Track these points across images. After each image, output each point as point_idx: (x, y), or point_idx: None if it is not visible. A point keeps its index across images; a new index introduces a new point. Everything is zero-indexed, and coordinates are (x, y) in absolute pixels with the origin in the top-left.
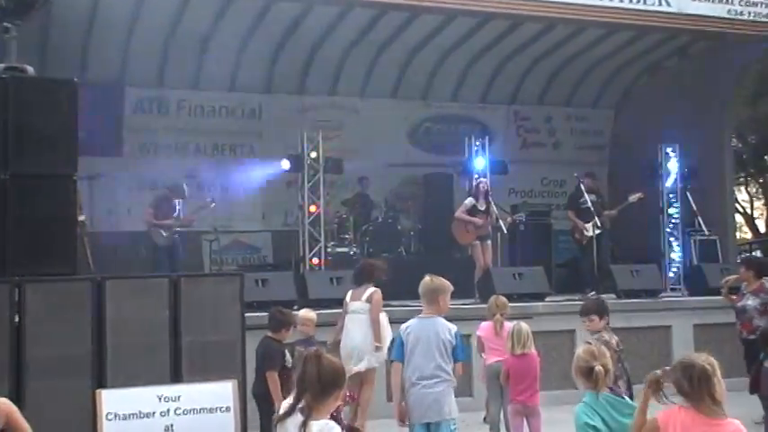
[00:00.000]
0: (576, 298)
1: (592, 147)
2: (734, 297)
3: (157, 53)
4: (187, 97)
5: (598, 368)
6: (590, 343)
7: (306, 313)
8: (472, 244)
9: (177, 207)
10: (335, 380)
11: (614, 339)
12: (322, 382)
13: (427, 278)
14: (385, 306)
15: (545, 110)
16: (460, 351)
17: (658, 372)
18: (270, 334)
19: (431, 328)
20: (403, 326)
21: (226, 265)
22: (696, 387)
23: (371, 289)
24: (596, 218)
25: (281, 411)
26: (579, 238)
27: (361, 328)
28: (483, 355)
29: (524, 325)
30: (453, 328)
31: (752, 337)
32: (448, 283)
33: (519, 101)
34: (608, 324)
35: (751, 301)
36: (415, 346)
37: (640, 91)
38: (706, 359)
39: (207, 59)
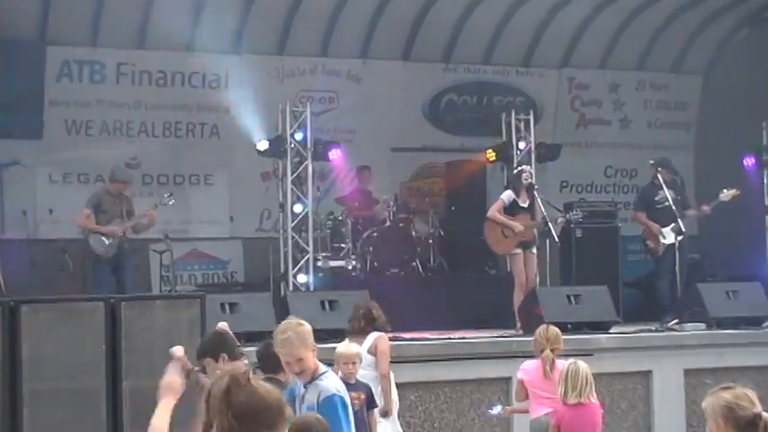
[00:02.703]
0: (653, 328)
1: (672, 124)
2: None
3: (91, 0)
4: (129, 60)
5: (766, 415)
6: (730, 387)
7: (343, 348)
8: (511, 253)
9: (129, 203)
10: (268, 415)
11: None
12: (249, 415)
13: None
14: (394, 340)
15: (609, 75)
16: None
17: None
18: (267, 375)
19: None
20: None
21: (181, 283)
22: None
23: (374, 335)
24: (679, 220)
25: None
26: (654, 247)
27: None
28: (519, 402)
29: (582, 365)
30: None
31: None
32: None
33: (574, 63)
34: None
35: None
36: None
37: (738, 49)
38: None
39: (156, 9)
